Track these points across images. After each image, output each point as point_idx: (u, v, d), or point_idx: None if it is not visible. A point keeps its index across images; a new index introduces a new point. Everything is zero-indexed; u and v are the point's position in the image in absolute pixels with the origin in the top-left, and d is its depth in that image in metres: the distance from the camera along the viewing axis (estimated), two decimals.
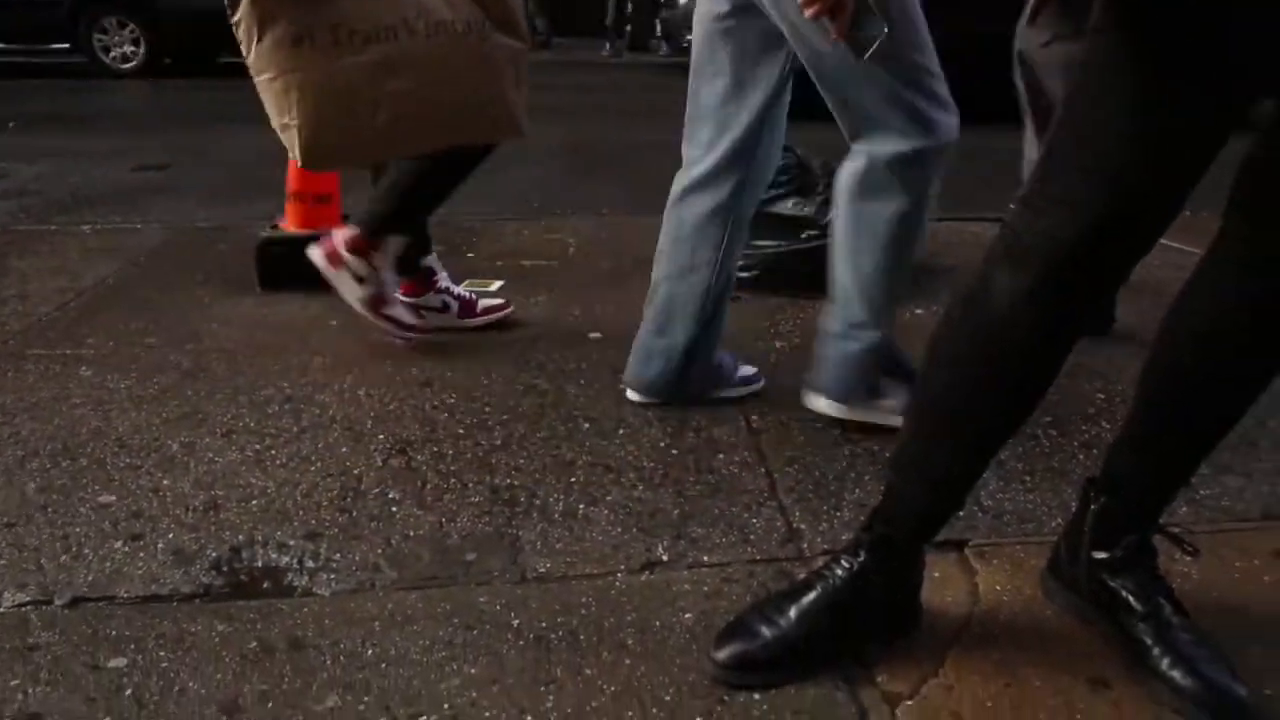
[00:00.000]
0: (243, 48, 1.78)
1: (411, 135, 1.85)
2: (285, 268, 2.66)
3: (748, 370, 2.03)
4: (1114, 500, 1.25)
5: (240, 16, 1.75)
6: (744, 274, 2.63)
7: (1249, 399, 1.17)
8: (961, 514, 1.54)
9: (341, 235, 2.16)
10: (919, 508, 1.20)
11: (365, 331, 2.35)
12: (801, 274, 2.57)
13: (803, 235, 2.57)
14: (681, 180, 1.86)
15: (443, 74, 1.78)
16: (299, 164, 1.86)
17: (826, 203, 2.56)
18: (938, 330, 1.15)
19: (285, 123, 1.79)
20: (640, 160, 5.04)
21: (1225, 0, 0.88)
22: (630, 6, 11.32)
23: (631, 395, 1.96)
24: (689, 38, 1.88)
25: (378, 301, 2.19)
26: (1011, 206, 1.08)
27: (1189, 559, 1.42)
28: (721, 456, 1.74)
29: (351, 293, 2.17)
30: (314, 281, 2.60)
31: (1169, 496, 1.27)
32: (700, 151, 1.81)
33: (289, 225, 2.76)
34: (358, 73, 1.74)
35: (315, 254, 2.19)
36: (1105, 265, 1.02)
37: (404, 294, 2.34)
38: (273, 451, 1.74)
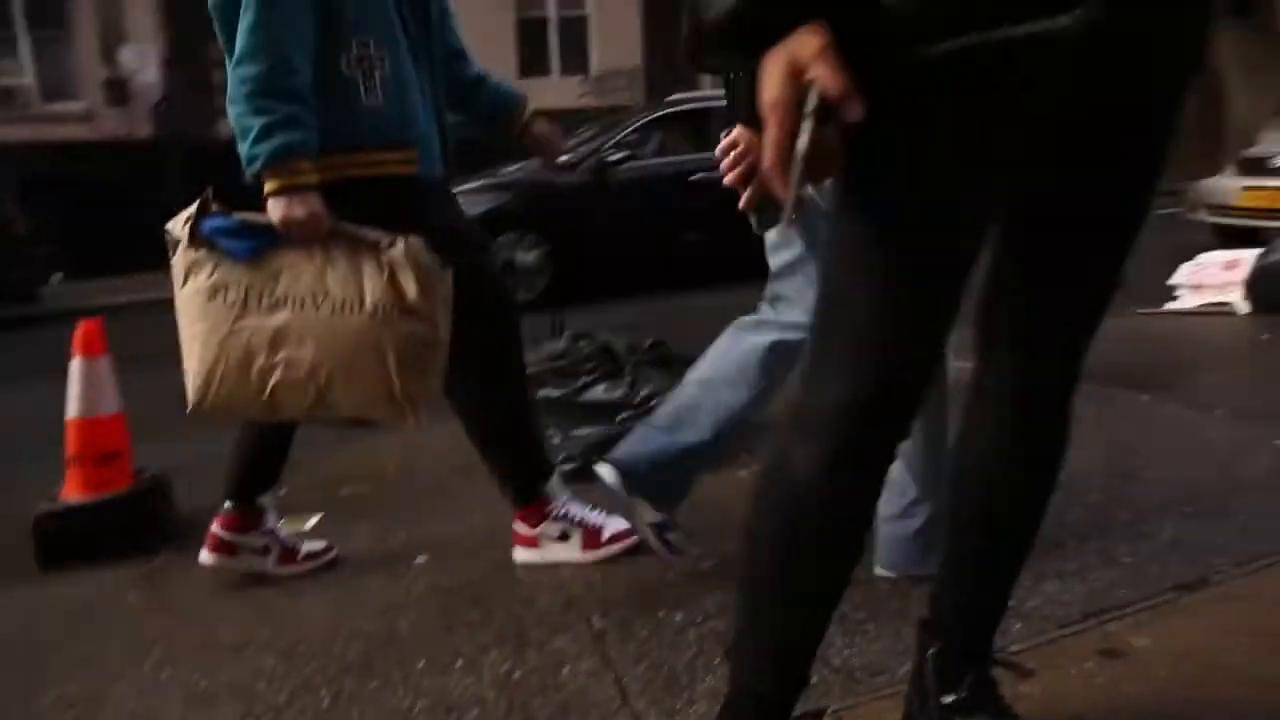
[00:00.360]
0: (175, 290, 1.85)
1: (297, 403, 1.84)
2: (69, 543, 2.43)
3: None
4: (948, 641, 1.28)
5: (174, 261, 1.83)
6: (566, 465, 2.62)
7: (1038, 510, 1.24)
8: (815, 680, 1.52)
9: (517, 525, 2.16)
10: (765, 692, 1.17)
11: (166, 599, 2.15)
12: None
13: (618, 419, 2.61)
14: (764, 313, 1.93)
15: (338, 350, 1.80)
16: (189, 410, 1.86)
17: (634, 384, 2.63)
18: (749, 508, 1.15)
19: (185, 367, 1.85)
20: None
21: (940, 172, 0.96)
22: None
23: (605, 473, 1.91)
24: None
25: (595, 536, 2.14)
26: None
27: (1031, 677, 1.47)
28: (567, 669, 1.67)
29: (571, 555, 2.13)
30: (106, 553, 2.38)
31: (996, 623, 1.31)
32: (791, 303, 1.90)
33: (70, 493, 2.54)
34: (258, 336, 1.79)
35: (519, 556, 2.17)
36: (889, 426, 1.06)
37: (223, 527, 2.19)
38: None
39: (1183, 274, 4.51)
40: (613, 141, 7.00)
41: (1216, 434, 2.47)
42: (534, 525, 2.14)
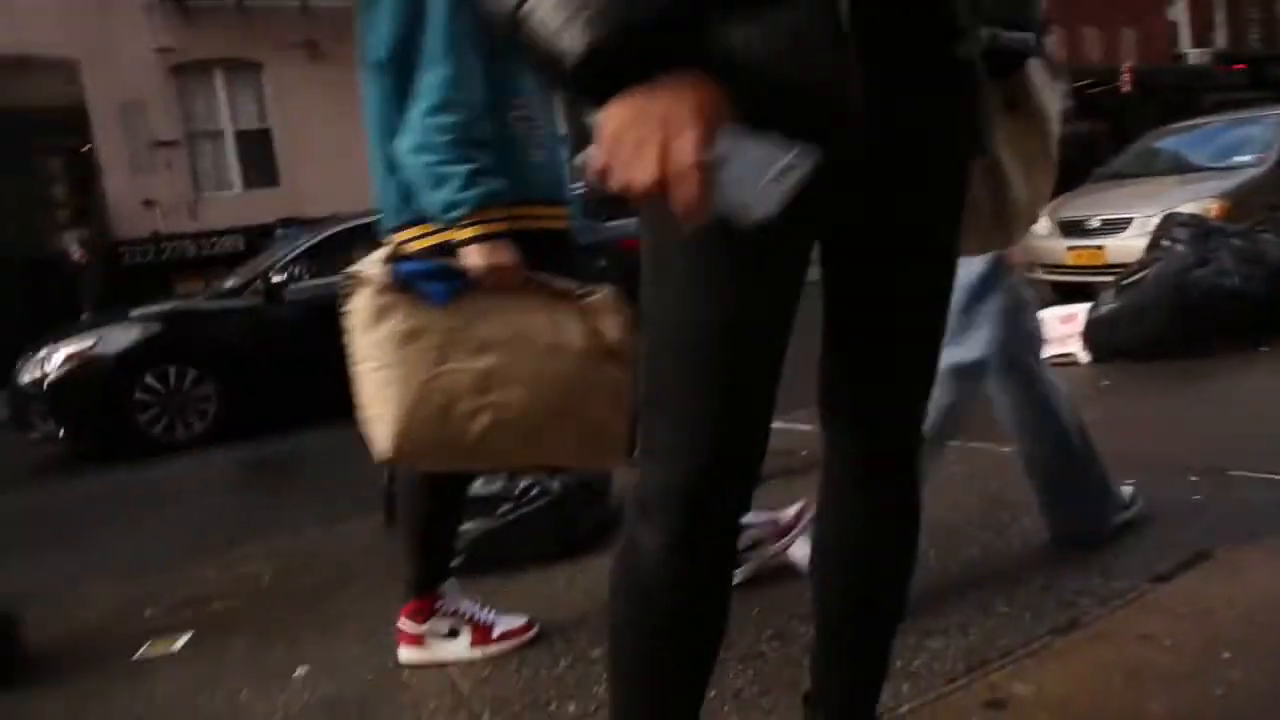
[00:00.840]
0: (352, 333, 1.76)
1: (505, 447, 1.83)
2: None
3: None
4: (830, 712, 1.29)
5: (358, 304, 1.75)
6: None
7: (901, 579, 1.27)
8: None
9: (402, 623, 2.07)
10: None
11: None
12: (508, 550, 2.55)
13: (499, 511, 2.56)
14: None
15: (549, 394, 1.79)
16: (384, 457, 1.78)
17: (513, 475, 2.59)
18: (609, 598, 1.14)
19: (375, 413, 1.75)
20: (331, 467, 4.86)
21: (736, 256, 0.98)
22: None
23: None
24: None
25: (485, 633, 2.08)
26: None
27: None
28: None
29: (459, 652, 2.06)
30: None
31: (876, 690, 1.32)
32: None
33: None
34: (462, 379, 1.75)
35: (405, 655, 2.08)
36: (724, 503, 1.07)
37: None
38: None
39: None
40: (282, 262, 6.52)
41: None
42: (421, 622, 2.07)
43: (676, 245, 0.98)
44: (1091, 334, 4.50)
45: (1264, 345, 4.22)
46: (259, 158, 13.24)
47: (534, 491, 2.57)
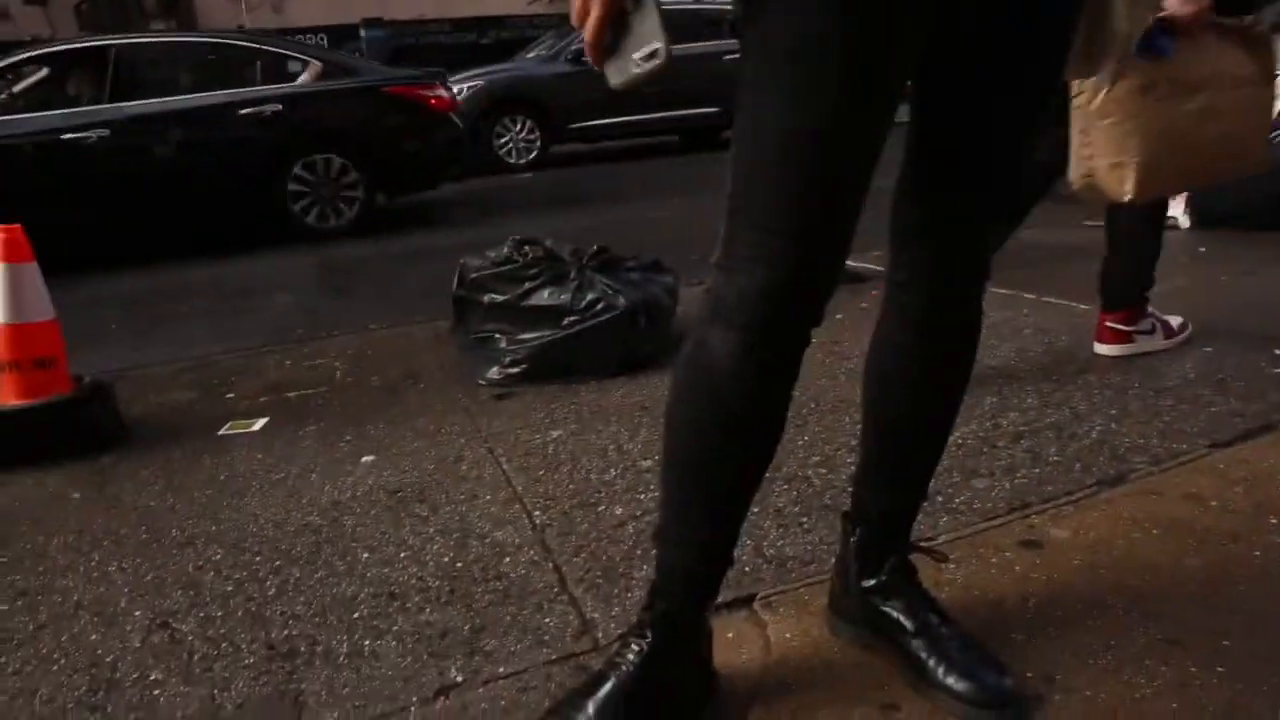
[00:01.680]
0: (1084, 96, 2.05)
1: (1219, 171, 2.22)
2: (10, 444, 2.40)
3: None
4: (867, 530, 1.33)
5: None
6: (513, 369, 2.64)
7: (950, 406, 1.28)
8: (748, 569, 1.59)
9: (1111, 325, 2.57)
10: (689, 575, 1.21)
11: (114, 499, 2.15)
12: (569, 361, 2.62)
13: (564, 323, 2.61)
14: None
15: (1248, 119, 2.13)
16: (1128, 197, 2.09)
17: (580, 288, 2.63)
18: (670, 396, 1.17)
19: (1120, 161, 2.05)
20: (400, 271, 4.99)
21: (838, 49, 0.96)
22: None
23: None
24: None
25: (1170, 329, 2.63)
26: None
27: (954, 565, 1.54)
28: (508, 560, 1.71)
29: (1156, 343, 2.59)
30: (48, 457, 2.37)
31: (913, 514, 1.36)
32: None
33: (8, 397, 2.50)
34: (1187, 119, 2.05)
35: (1106, 350, 2.60)
36: (800, 310, 1.07)
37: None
38: (1, 660, 1.53)
39: None
40: None
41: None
42: (1132, 322, 2.56)
43: (777, 52, 0.96)
44: (1195, 199, 4.25)
45: None
46: None
47: (599, 306, 2.61)
